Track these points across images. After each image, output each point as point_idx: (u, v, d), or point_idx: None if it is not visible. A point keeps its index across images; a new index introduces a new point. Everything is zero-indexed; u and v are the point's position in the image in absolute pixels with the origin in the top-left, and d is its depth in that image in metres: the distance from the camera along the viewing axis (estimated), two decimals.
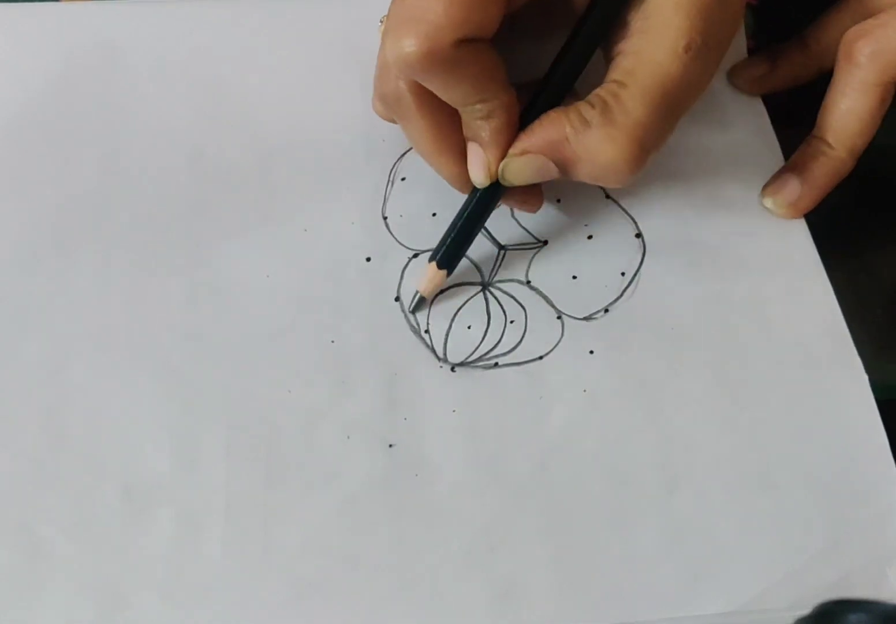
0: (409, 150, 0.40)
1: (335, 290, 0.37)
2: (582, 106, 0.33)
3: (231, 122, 0.40)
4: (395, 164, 0.40)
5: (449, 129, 0.34)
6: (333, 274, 0.37)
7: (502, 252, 0.38)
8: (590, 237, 0.38)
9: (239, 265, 0.37)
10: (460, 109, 0.33)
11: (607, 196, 0.39)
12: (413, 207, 0.39)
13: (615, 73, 0.33)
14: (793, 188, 0.38)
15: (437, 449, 0.34)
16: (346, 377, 0.35)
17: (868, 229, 0.40)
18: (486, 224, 0.37)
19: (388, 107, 0.35)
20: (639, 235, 0.38)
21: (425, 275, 0.36)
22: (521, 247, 0.38)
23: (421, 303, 0.37)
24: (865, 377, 0.35)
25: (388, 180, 0.39)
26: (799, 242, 0.38)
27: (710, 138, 0.40)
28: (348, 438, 0.34)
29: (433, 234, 0.38)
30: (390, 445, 0.34)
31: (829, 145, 0.37)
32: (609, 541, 0.33)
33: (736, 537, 0.33)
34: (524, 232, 0.38)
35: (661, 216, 0.38)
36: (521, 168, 0.34)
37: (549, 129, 0.33)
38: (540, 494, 0.33)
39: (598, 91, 0.33)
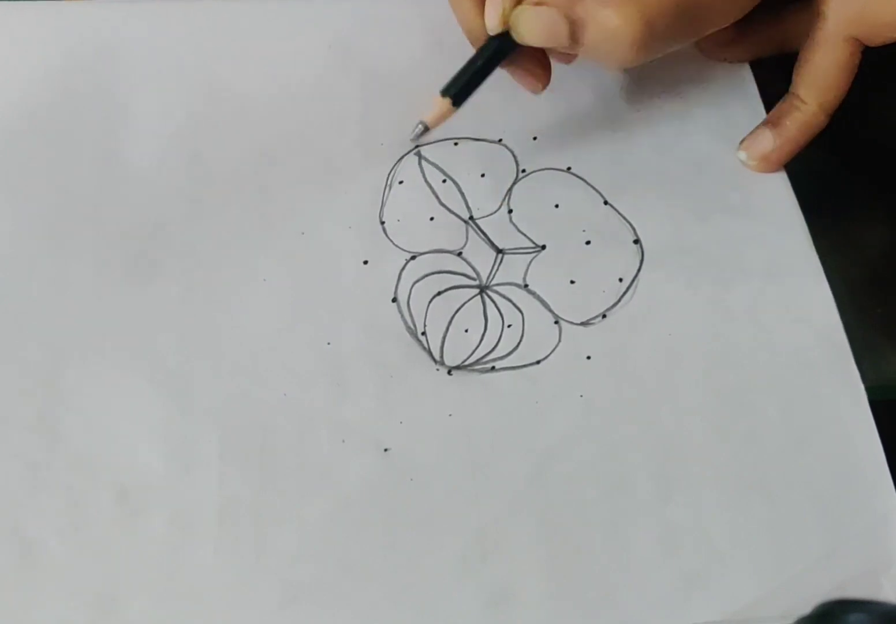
0: (406, 154, 0.40)
1: (331, 293, 0.37)
2: None
3: (229, 123, 0.40)
4: (392, 167, 0.39)
5: None
6: (330, 277, 0.37)
7: (500, 256, 0.38)
8: (588, 243, 0.38)
9: (235, 268, 0.37)
10: None
11: (605, 202, 0.39)
12: (410, 211, 0.39)
13: None
14: (766, 142, 0.39)
15: (433, 453, 0.34)
16: (342, 380, 0.35)
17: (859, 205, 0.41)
18: (485, 228, 0.38)
19: None
20: (637, 241, 0.38)
21: (432, 105, 0.37)
22: (518, 251, 0.38)
23: (423, 133, 0.38)
24: (861, 386, 0.35)
25: (386, 184, 0.39)
26: (799, 249, 0.38)
27: (710, 144, 0.40)
28: (343, 441, 0.34)
29: (431, 238, 0.38)
30: (385, 449, 0.34)
31: (801, 100, 0.38)
32: (604, 548, 0.32)
33: (731, 545, 0.33)
34: (522, 236, 0.38)
35: (659, 222, 0.38)
36: (533, 19, 0.34)
37: None
38: (535, 499, 0.33)
39: None
